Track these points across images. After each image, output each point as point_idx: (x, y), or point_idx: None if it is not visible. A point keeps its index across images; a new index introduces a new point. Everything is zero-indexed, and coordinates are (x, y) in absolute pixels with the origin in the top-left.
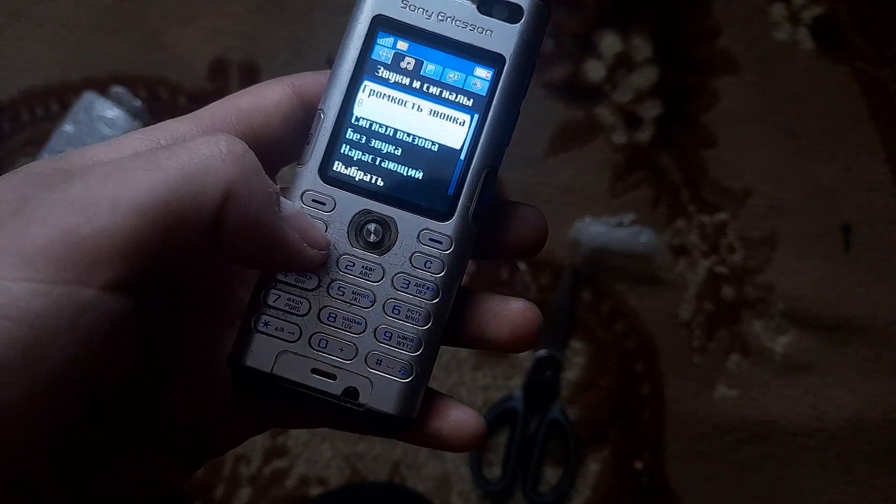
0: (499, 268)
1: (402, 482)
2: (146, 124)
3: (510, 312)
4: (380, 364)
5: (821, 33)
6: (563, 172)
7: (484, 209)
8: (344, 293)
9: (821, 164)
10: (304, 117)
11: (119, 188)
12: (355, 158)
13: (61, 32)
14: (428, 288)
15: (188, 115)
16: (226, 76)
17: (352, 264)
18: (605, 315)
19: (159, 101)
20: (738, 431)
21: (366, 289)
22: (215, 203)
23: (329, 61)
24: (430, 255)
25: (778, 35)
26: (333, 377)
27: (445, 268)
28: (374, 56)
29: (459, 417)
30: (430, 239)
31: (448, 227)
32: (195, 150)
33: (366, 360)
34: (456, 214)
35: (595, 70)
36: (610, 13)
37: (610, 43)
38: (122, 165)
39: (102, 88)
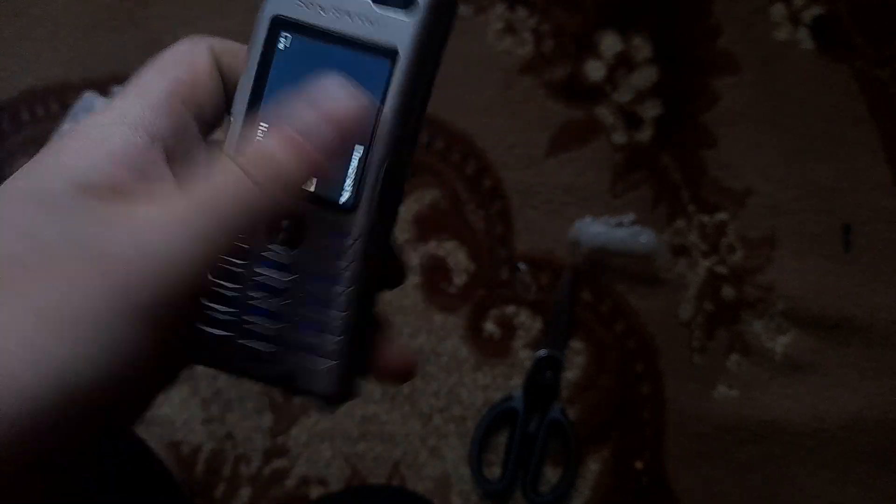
0: (499, 268)
1: (402, 482)
2: None
3: (393, 353)
4: (309, 350)
5: (821, 33)
6: (563, 172)
7: (386, 202)
8: (263, 288)
9: (821, 164)
10: (221, 85)
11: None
12: None
13: (61, 32)
14: (339, 278)
15: (132, 89)
16: None
17: (268, 260)
18: (605, 315)
19: None
20: (738, 431)
21: (284, 282)
22: None
23: None
24: (337, 249)
25: (778, 35)
26: (269, 362)
27: (353, 258)
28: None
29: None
30: (336, 232)
31: (352, 219)
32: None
33: (296, 346)
34: (360, 208)
35: (595, 70)
36: (610, 13)
37: (610, 43)
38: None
39: (102, 88)
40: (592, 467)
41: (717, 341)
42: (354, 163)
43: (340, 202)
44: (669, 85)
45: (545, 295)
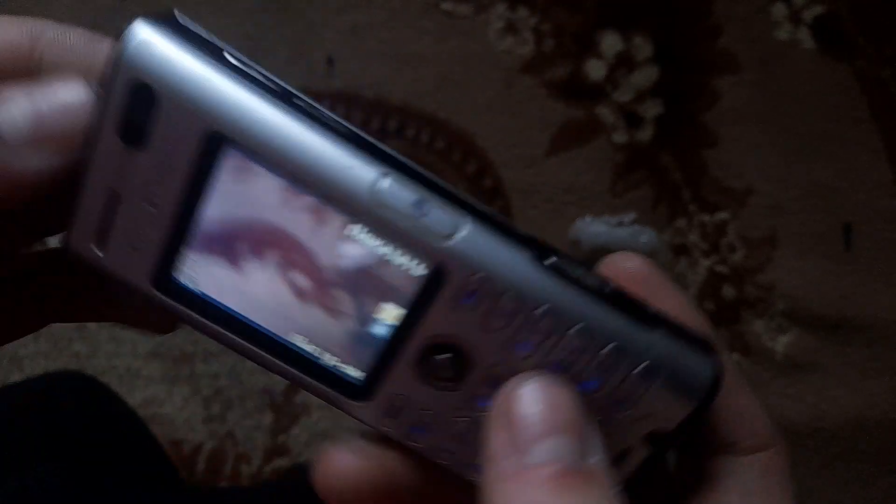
0: None
1: None
2: None
3: None
4: None
5: (822, 33)
6: (564, 172)
7: None
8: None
9: (821, 163)
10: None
11: None
12: None
13: None
14: None
15: None
16: None
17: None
18: None
19: None
20: None
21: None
22: None
23: (330, 61)
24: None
25: (779, 35)
26: None
27: None
28: None
29: None
30: None
31: None
32: None
33: None
34: None
35: (596, 69)
36: (611, 13)
37: (611, 42)
38: None
39: None
40: None
41: (718, 341)
42: None
43: None
44: (670, 84)
45: None
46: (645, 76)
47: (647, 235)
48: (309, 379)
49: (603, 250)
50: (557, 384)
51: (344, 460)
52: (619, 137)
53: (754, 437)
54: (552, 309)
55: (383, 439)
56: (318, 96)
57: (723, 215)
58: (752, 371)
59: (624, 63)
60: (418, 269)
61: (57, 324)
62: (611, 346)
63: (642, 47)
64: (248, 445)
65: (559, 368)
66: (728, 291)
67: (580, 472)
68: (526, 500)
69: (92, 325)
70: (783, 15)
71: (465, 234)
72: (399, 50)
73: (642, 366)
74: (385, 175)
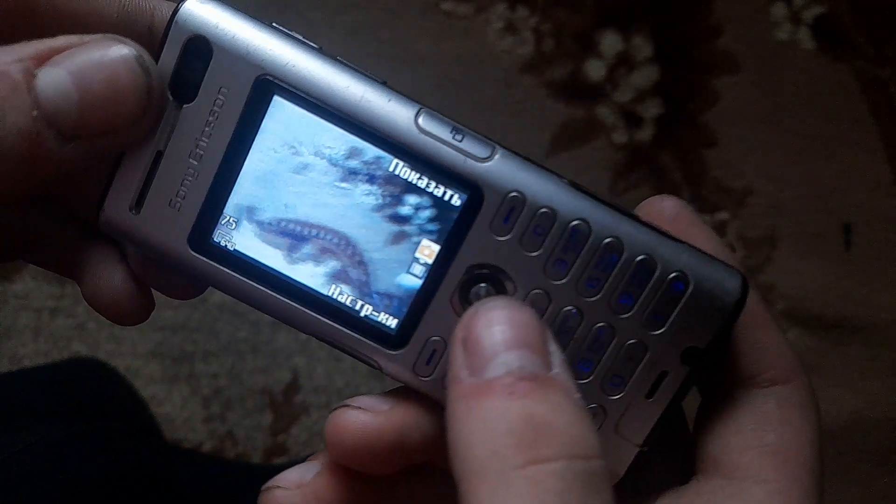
0: None
1: None
2: None
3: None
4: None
5: (821, 33)
6: (564, 171)
7: None
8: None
9: (821, 163)
10: None
11: None
12: None
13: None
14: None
15: None
16: None
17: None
18: None
19: None
20: None
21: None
22: None
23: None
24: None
25: (779, 35)
26: None
27: None
28: None
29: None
30: None
31: None
32: None
33: None
34: None
35: (596, 69)
36: (611, 12)
37: (611, 42)
38: None
39: None
40: None
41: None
42: None
43: None
44: (670, 84)
45: None
46: (645, 76)
47: None
48: (345, 330)
49: None
50: (514, 305)
51: (357, 417)
52: (619, 137)
53: (775, 370)
54: (586, 222)
55: (393, 397)
56: None
57: (723, 215)
58: None
59: (624, 63)
60: (456, 198)
61: (56, 323)
62: (643, 256)
63: (642, 47)
64: (248, 445)
65: (594, 286)
66: None
67: (537, 378)
68: (484, 412)
69: (92, 325)
70: (783, 15)
71: (500, 156)
72: (399, 50)
73: (673, 274)
74: (423, 109)
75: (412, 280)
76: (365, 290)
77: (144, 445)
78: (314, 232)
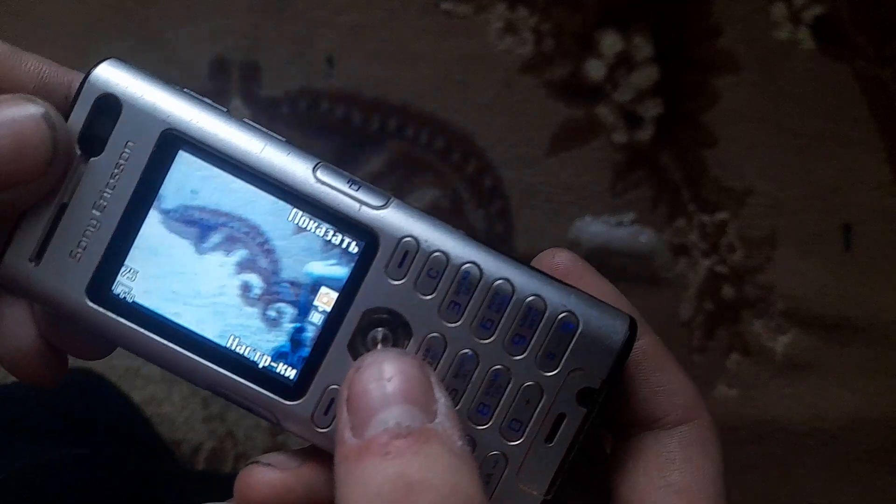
0: None
1: None
2: None
3: None
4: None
5: (821, 33)
6: (564, 172)
7: None
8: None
9: (821, 163)
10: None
11: None
12: None
13: (62, 32)
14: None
15: None
16: (227, 75)
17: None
18: None
19: None
20: (738, 431)
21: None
22: None
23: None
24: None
25: (778, 34)
26: None
27: None
28: None
29: None
30: None
31: None
32: None
33: None
34: None
35: (595, 69)
36: (611, 12)
37: (610, 42)
38: None
39: None
40: None
41: (717, 341)
42: None
43: None
44: (670, 84)
45: None
46: (645, 76)
47: (646, 235)
48: (243, 381)
49: (602, 250)
50: (395, 357)
51: (265, 475)
52: (619, 137)
53: (677, 411)
54: (477, 265)
55: (304, 453)
56: (317, 96)
57: (722, 215)
58: (752, 371)
59: (624, 63)
60: (354, 245)
61: None
62: (532, 296)
63: (642, 47)
64: (248, 445)
65: (487, 328)
66: (728, 291)
67: (412, 434)
68: (361, 475)
69: None
70: (783, 15)
71: (395, 205)
72: (399, 50)
73: (562, 314)
74: (321, 163)
75: (311, 328)
76: (263, 341)
77: (126, 467)
78: (214, 281)
